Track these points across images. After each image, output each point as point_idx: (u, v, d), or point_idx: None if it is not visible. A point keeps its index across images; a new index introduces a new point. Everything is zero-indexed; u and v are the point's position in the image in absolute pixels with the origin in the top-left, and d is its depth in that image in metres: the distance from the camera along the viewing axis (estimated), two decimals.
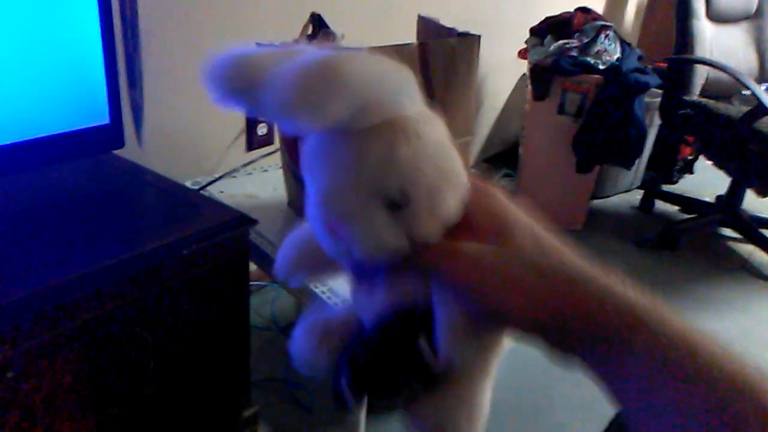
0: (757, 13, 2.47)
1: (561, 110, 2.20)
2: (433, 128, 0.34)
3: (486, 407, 0.40)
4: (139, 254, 0.85)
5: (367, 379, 0.37)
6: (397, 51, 0.93)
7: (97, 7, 0.91)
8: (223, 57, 0.33)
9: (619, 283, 0.35)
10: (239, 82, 0.32)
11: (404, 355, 0.35)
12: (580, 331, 0.33)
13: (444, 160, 0.34)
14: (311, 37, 1.19)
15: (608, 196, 2.76)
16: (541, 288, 0.33)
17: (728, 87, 2.36)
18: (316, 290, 0.98)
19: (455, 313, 0.35)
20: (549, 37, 2.23)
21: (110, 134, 0.99)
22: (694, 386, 0.30)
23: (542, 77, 2.18)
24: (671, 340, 0.31)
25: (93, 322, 0.81)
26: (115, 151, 1.06)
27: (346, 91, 0.29)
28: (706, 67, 2.29)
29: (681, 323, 0.32)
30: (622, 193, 2.81)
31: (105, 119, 0.97)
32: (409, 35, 1.24)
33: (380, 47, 0.91)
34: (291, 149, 1.14)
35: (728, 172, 2.37)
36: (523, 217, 0.37)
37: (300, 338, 0.41)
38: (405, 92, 0.33)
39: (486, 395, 0.40)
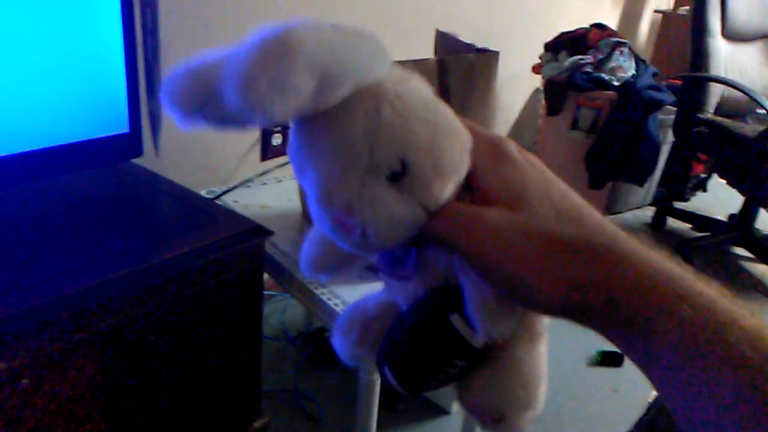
0: None
1: (574, 126, 2.20)
2: (412, 87, 0.32)
3: (543, 370, 0.37)
4: (154, 263, 0.85)
5: (408, 367, 0.35)
6: (416, 66, 0.93)
7: (119, 17, 0.92)
8: (171, 75, 0.30)
9: (642, 247, 0.31)
10: (195, 95, 0.30)
11: (440, 335, 0.33)
12: (603, 314, 0.30)
13: (433, 115, 0.32)
14: None
15: (620, 213, 2.75)
16: (563, 266, 0.30)
17: (742, 105, 2.35)
18: (329, 302, 0.98)
19: (483, 287, 0.32)
20: (563, 52, 2.24)
21: (129, 143, 0.99)
22: (723, 368, 0.27)
23: (556, 92, 2.18)
24: (699, 317, 0.28)
25: (107, 331, 0.81)
26: (134, 160, 1.06)
27: (304, 59, 0.27)
28: (721, 86, 2.28)
29: (711, 295, 0.30)
30: (634, 209, 2.80)
31: (124, 128, 0.98)
32: (426, 50, 1.24)
33: (398, 62, 0.92)
34: None
35: (741, 191, 2.35)
36: (538, 177, 0.34)
37: (341, 331, 0.39)
38: (371, 56, 0.30)
39: (540, 358, 0.37)
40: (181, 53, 1.35)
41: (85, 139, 0.93)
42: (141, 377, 0.89)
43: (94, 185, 1.05)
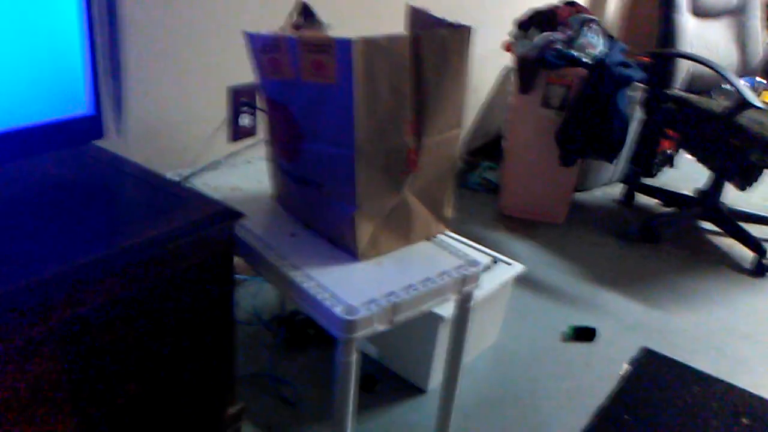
0: (739, 8, 2.49)
1: (545, 103, 2.20)
2: None
3: None
4: (120, 248, 0.82)
5: None
6: (390, 42, 0.91)
7: None
8: None
9: None
10: None
11: None
12: None
13: None
14: (298, 27, 1.17)
15: (590, 190, 2.78)
16: None
17: (710, 81, 2.38)
18: (303, 284, 0.96)
19: None
20: (534, 29, 2.23)
21: (90, 124, 0.95)
22: None
23: (528, 70, 2.17)
24: None
25: (73, 319, 0.78)
26: (97, 143, 1.02)
27: None
28: (689, 62, 2.30)
29: None
30: (603, 186, 2.83)
31: (84, 109, 0.94)
32: (398, 25, 1.22)
33: (371, 37, 0.89)
34: (275, 139, 1.11)
35: (708, 166, 2.39)
36: None
37: None
38: None
39: None
40: (144, 31, 1.30)
41: (44, 121, 0.89)
42: (108, 366, 0.86)
43: (56, 169, 1.01)
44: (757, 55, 2.53)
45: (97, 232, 0.85)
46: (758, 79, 2.50)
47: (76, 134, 0.95)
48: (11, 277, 0.72)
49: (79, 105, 0.93)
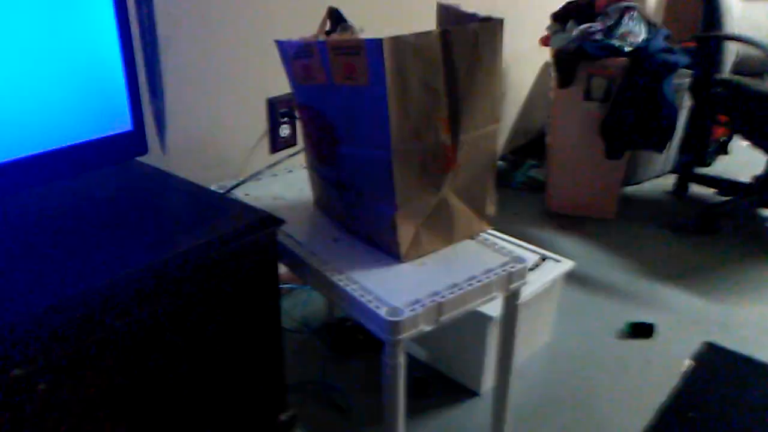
0: None
1: (587, 96, 2.15)
2: None
3: None
4: (167, 260, 0.83)
5: None
6: (419, 39, 0.90)
7: (113, 14, 0.91)
8: None
9: None
10: None
11: None
12: None
13: None
14: (329, 32, 1.17)
15: (640, 182, 2.69)
16: None
17: (760, 63, 2.28)
18: (346, 288, 0.96)
19: None
20: (571, 22, 2.18)
21: (133, 141, 0.98)
22: None
23: (567, 63, 2.13)
24: None
25: (124, 330, 0.80)
26: (141, 159, 1.05)
27: None
28: (736, 44, 2.21)
29: None
30: (654, 178, 2.74)
31: (127, 126, 0.96)
32: (429, 25, 1.21)
33: (400, 36, 0.89)
34: (312, 145, 1.12)
35: (765, 150, 2.28)
36: None
37: None
38: None
39: None
40: (180, 48, 1.34)
41: (87, 139, 0.91)
42: (160, 376, 0.88)
43: (101, 187, 1.04)
44: None
45: (143, 244, 0.87)
46: None
47: (121, 151, 0.98)
48: (62, 290, 0.74)
49: (121, 122, 0.96)
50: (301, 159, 1.37)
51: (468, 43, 0.96)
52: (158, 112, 1.29)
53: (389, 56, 0.88)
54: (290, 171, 1.42)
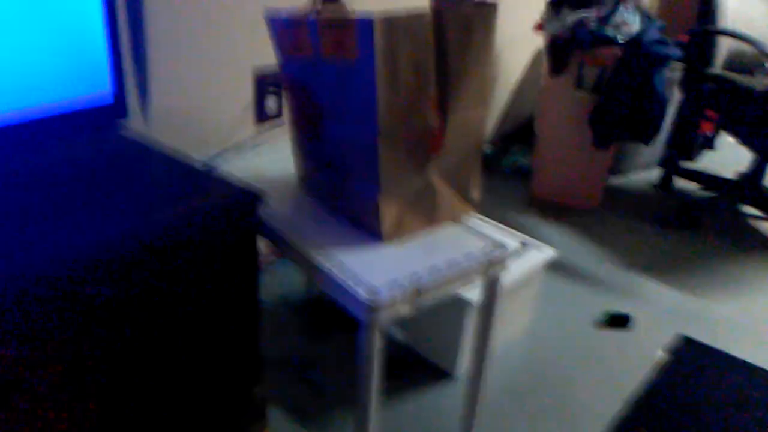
0: None
1: (579, 85, 2.15)
2: None
3: None
4: (145, 231, 0.82)
5: None
6: (410, 18, 0.89)
7: None
8: None
9: None
10: None
11: None
12: None
13: None
14: (319, 5, 1.15)
15: (626, 173, 2.71)
16: None
17: (751, 60, 2.28)
18: (325, 266, 0.95)
19: None
20: (566, 8, 2.16)
21: (114, 105, 0.96)
22: None
23: (559, 51, 2.11)
24: None
25: (98, 302, 0.78)
26: (123, 130, 1.03)
27: None
28: (729, 40, 2.21)
29: None
30: (640, 170, 2.76)
31: (108, 89, 0.94)
32: (420, 2, 1.19)
33: (392, 14, 0.87)
34: (298, 120, 1.10)
35: (751, 148, 2.30)
36: None
37: None
38: None
39: None
40: (168, 18, 1.30)
41: (67, 99, 0.89)
42: (133, 348, 0.87)
43: (80, 152, 1.02)
44: None
45: (121, 214, 0.85)
46: None
47: (101, 115, 0.96)
48: (40, 254, 0.72)
49: (102, 86, 0.94)
50: (285, 132, 1.35)
51: (460, 25, 0.95)
52: (141, 80, 1.26)
53: (380, 35, 0.86)
54: (274, 145, 1.40)
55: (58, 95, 0.88)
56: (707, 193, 2.55)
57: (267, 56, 1.52)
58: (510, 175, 2.60)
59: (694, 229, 2.29)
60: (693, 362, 1.59)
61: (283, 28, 0.99)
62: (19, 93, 0.84)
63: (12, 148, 0.88)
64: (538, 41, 2.54)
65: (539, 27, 2.29)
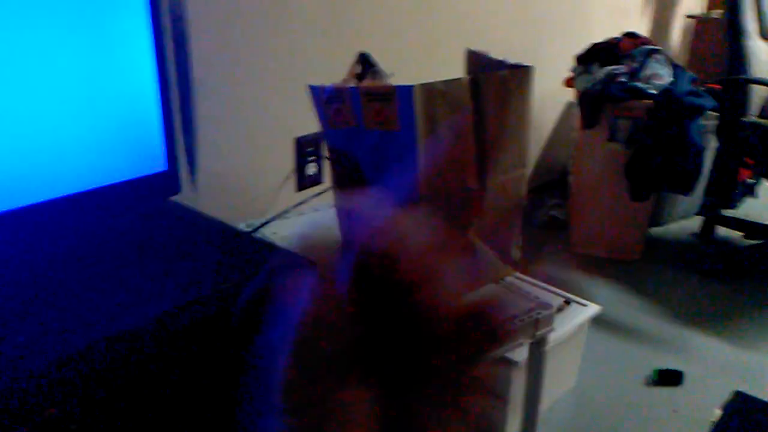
0: None
1: (612, 137, 2.15)
2: None
3: None
4: (196, 300, 0.84)
5: None
6: (447, 86, 0.92)
7: (153, 58, 0.93)
8: None
9: None
10: None
11: None
12: None
13: None
14: (360, 77, 1.19)
15: (666, 224, 2.67)
16: None
17: None
18: None
19: None
20: (596, 64, 2.20)
21: (167, 181, 1.00)
22: None
23: (591, 105, 2.13)
24: None
25: (152, 371, 0.80)
26: (171, 197, 1.07)
27: None
28: (764, 88, 2.21)
29: None
30: (680, 219, 2.71)
31: (162, 166, 0.98)
32: (457, 70, 1.23)
33: (430, 83, 0.90)
34: (342, 187, 1.13)
35: None
36: None
37: None
38: None
39: None
40: (213, 91, 1.37)
41: (123, 180, 0.93)
42: (193, 413, 0.88)
43: (132, 226, 1.06)
44: None
45: (172, 283, 0.87)
46: None
47: (154, 191, 1.00)
48: (94, 328, 0.75)
49: (155, 162, 0.98)
50: (327, 198, 1.38)
51: (497, 89, 0.97)
52: (189, 151, 1.32)
53: (420, 102, 0.89)
54: (316, 210, 1.43)
55: (115, 175, 0.92)
56: (750, 241, 2.49)
57: (306, 125, 1.57)
58: (545, 227, 2.58)
59: (739, 279, 2.23)
60: (749, 419, 1.52)
61: (327, 102, 1.03)
62: (76, 173, 0.88)
63: (70, 226, 0.92)
64: (567, 94, 2.57)
65: (569, 82, 2.32)
